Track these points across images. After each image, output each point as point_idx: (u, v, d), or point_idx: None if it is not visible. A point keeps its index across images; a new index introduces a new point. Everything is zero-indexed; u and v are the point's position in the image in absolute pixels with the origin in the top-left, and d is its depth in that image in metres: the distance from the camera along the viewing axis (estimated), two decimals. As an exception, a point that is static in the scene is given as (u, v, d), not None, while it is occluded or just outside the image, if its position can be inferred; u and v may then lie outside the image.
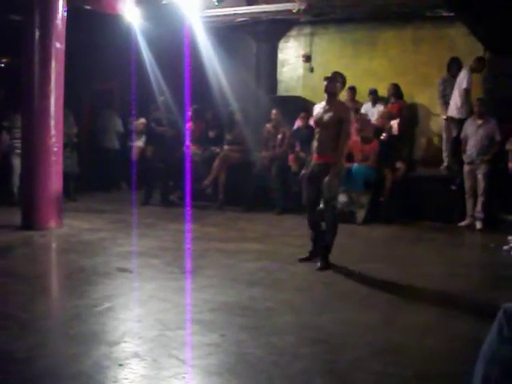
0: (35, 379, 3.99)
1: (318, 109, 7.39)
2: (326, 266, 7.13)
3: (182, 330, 4.97)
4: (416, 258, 7.99)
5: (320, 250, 7.28)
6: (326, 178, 7.01)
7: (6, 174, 11.93)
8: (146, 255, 7.57)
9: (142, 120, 13.19)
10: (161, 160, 12.03)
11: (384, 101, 12.36)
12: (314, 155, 7.35)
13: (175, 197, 12.16)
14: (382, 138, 10.90)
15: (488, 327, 3.13)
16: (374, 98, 12.45)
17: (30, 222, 9.19)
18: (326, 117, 7.18)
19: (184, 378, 4.02)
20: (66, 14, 9.27)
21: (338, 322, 5.26)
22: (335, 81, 7.57)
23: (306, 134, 11.78)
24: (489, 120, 10.16)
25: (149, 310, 5.53)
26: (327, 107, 7.27)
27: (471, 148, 10.13)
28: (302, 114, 12.08)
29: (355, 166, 10.54)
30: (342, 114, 7.17)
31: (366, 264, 7.49)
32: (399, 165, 10.73)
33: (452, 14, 12.07)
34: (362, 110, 12.33)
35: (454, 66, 11.44)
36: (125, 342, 4.67)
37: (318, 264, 7.13)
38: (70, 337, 4.81)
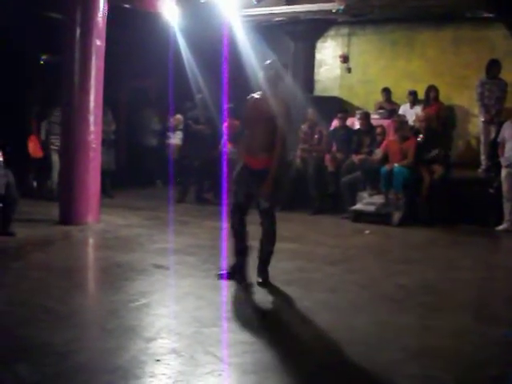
0: (73, 373, 4.03)
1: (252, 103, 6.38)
2: (267, 277, 6.34)
3: (217, 328, 4.99)
4: (452, 262, 7.90)
5: (260, 263, 6.38)
6: (262, 186, 6.12)
7: (46, 170, 12.07)
8: (182, 252, 7.60)
9: (178, 116, 13.23)
10: (197, 158, 12.06)
11: (422, 103, 12.28)
12: (245, 156, 6.34)
13: (209, 195, 12.18)
14: (418, 139, 10.82)
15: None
16: (413, 99, 12.37)
17: (68, 217, 9.28)
18: (259, 112, 6.20)
19: (220, 375, 4.03)
20: (106, 12, 9.36)
21: (373, 324, 5.24)
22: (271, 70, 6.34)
23: (343, 135, 11.79)
24: (528, 123, 10.05)
25: (185, 306, 5.56)
26: (261, 101, 6.26)
27: (509, 151, 10.01)
28: (340, 115, 12.06)
29: (396, 167, 10.48)
30: (279, 108, 6.17)
31: (402, 266, 7.46)
32: (437, 167, 10.65)
33: (492, 15, 11.96)
34: (400, 111, 12.28)
35: (494, 69, 11.31)
36: (161, 337, 4.70)
37: (259, 279, 6.30)
38: (107, 331, 4.86)
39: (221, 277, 6.35)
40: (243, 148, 6.43)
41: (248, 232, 6.39)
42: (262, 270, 6.33)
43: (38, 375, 3.95)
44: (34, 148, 12.24)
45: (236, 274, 6.35)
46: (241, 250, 6.38)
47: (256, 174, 6.12)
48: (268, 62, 6.26)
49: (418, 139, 10.83)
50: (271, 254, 6.34)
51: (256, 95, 6.36)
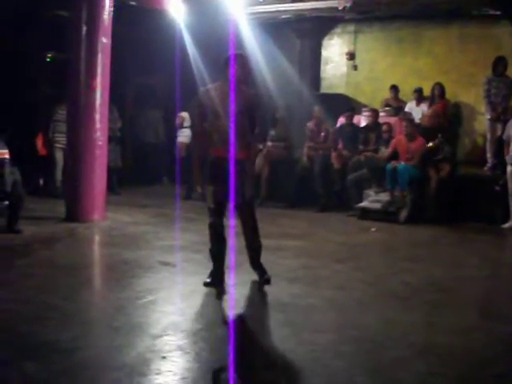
0: (79, 370, 4.04)
1: (214, 95, 6.05)
2: (266, 272, 6.19)
3: (223, 325, 5.00)
4: (459, 259, 7.89)
5: (255, 261, 6.21)
6: (242, 179, 5.87)
7: (51, 168, 12.09)
8: (189, 249, 7.59)
9: (184, 114, 13.21)
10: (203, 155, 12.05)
11: (427, 100, 12.25)
12: (219, 149, 5.94)
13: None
14: (431, 144, 10.79)
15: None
16: (419, 96, 12.35)
17: (75, 214, 9.30)
18: (230, 104, 5.81)
19: (226, 372, 4.04)
20: (112, 9, 9.37)
21: (380, 321, 5.24)
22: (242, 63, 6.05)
23: (350, 132, 11.79)
24: (533, 121, 10.02)
25: (191, 304, 5.56)
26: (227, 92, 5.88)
27: (516, 149, 10.00)
28: (347, 112, 12.06)
29: (401, 164, 10.48)
30: (251, 100, 6.03)
31: (408, 263, 7.45)
32: (443, 165, 10.64)
33: (498, 13, 11.93)
34: (406, 109, 12.25)
35: (500, 66, 11.28)
36: (168, 335, 4.71)
37: (265, 276, 6.16)
38: (113, 328, 4.86)
39: (207, 284, 6.05)
40: (213, 142, 6.02)
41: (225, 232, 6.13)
42: (259, 266, 6.19)
43: (45, 372, 3.96)
44: (41, 146, 12.30)
45: (216, 278, 6.09)
46: (221, 252, 6.11)
47: (237, 164, 5.75)
48: (234, 53, 6.00)
49: (431, 144, 10.79)
50: (261, 248, 6.18)
51: (212, 86, 6.16)
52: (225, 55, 6.04)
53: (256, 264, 6.21)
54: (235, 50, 6.06)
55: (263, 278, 6.16)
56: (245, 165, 5.93)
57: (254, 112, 6.01)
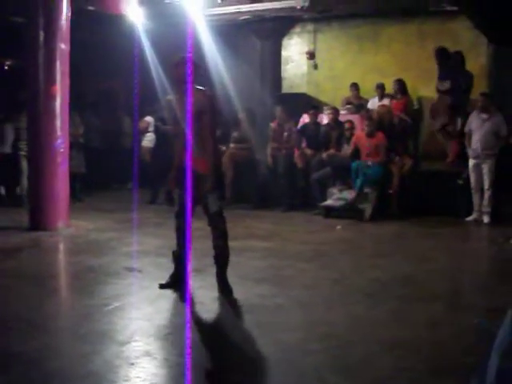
0: (46, 380, 4.00)
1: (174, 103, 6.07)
2: (227, 285, 5.97)
3: (191, 329, 4.97)
4: (424, 253, 7.96)
5: (220, 270, 6.00)
6: (205, 191, 5.84)
7: (14, 176, 11.96)
8: (154, 254, 7.56)
9: (147, 119, 13.17)
10: (166, 159, 11.99)
11: (390, 96, 12.33)
12: (181, 155, 5.87)
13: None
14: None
15: (498, 320, 3.13)
16: (381, 92, 12.42)
17: (38, 222, 9.20)
18: (185, 110, 5.70)
19: (194, 377, 4.02)
20: (70, 15, 9.29)
21: (347, 318, 5.26)
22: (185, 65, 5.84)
23: (313, 131, 11.82)
24: (494, 114, 10.12)
25: (158, 308, 5.54)
26: (183, 98, 5.84)
27: (476, 142, 10.09)
28: (311, 111, 12.08)
29: (361, 162, 10.56)
30: (202, 102, 5.87)
31: (375, 259, 7.50)
32: (406, 160, 10.72)
33: (456, 8, 12.05)
34: (369, 105, 12.33)
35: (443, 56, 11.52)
36: (135, 340, 4.67)
37: (225, 290, 5.93)
38: (80, 336, 4.81)
39: (162, 286, 6.07)
40: (178, 149, 6.00)
41: (191, 235, 6.01)
42: (222, 275, 5.98)
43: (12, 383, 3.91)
44: None
45: (179, 279, 6.06)
46: (183, 255, 6.04)
47: (198, 178, 5.74)
48: (180, 56, 5.90)
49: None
50: (228, 257, 5.97)
51: (175, 92, 6.12)
52: (173, 59, 6.00)
53: (220, 278, 6.01)
54: (189, 53, 5.99)
55: (225, 296, 5.89)
56: (206, 179, 5.83)
57: (209, 113, 5.91)
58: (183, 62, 5.87)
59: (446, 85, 11.49)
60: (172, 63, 6.01)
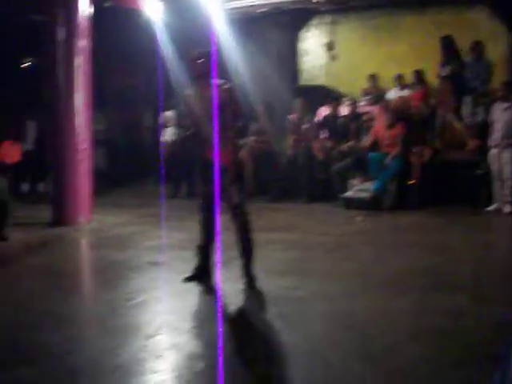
0: (75, 373, 4.06)
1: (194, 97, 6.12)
2: (253, 277, 5.99)
3: (216, 322, 5.02)
4: (445, 244, 7.95)
5: (245, 261, 6.00)
6: (227, 184, 5.83)
7: (36, 173, 12.08)
8: (177, 248, 7.61)
9: (168, 113, 13.23)
10: (187, 153, 12.04)
11: (409, 86, 12.32)
12: (206, 150, 5.92)
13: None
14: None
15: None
16: (401, 82, 12.41)
17: (61, 218, 9.31)
18: (206, 103, 5.80)
19: (222, 368, 4.07)
20: (89, 11, 9.35)
21: (371, 309, 5.29)
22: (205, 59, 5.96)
23: (333, 123, 11.83)
24: (515, 103, 10.09)
25: (183, 302, 5.59)
26: (203, 92, 5.96)
27: (497, 132, 10.06)
28: (331, 103, 12.09)
29: (381, 154, 10.58)
30: (222, 95, 5.86)
31: (396, 250, 7.51)
32: (425, 150, 10.71)
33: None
34: (388, 96, 12.31)
35: (477, 50, 11.42)
36: (161, 334, 4.73)
37: (248, 279, 5.97)
38: (106, 330, 4.88)
39: (187, 280, 6.11)
40: (202, 142, 6.02)
41: (216, 228, 6.04)
42: (247, 268, 5.99)
43: (40, 377, 3.98)
44: (6, 153, 12.20)
45: (203, 272, 6.17)
46: (208, 248, 6.16)
47: (222, 170, 5.69)
48: (199, 50, 5.97)
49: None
50: (252, 250, 5.98)
51: (195, 87, 6.13)
52: (192, 53, 6.04)
53: (246, 266, 6.03)
54: (206, 47, 6.05)
55: (251, 288, 5.93)
56: (228, 172, 5.85)
57: (230, 106, 5.90)
58: (202, 56, 5.95)
59: (447, 70, 11.54)
60: (191, 57, 6.02)
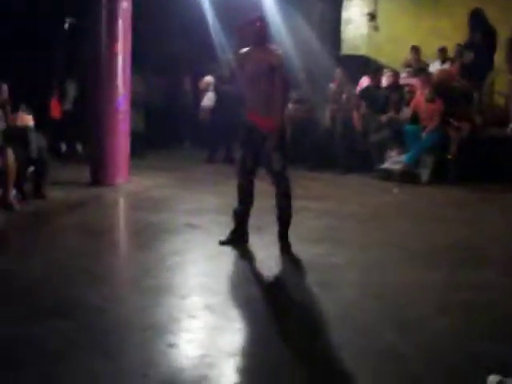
0: (111, 328, 4.15)
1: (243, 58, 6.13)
2: (289, 243, 6.08)
3: (250, 285, 5.08)
4: (483, 219, 7.89)
5: (281, 227, 6.10)
6: (269, 150, 5.89)
7: (74, 133, 12.22)
8: (213, 212, 7.65)
9: (208, 78, 13.21)
10: (225, 118, 12.04)
11: (452, 60, 12.16)
12: (251, 116, 6.02)
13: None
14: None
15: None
16: (443, 56, 12.25)
17: (99, 178, 9.38)
18: (256, 67, 5.91)
19: (253, 331, 4.13)
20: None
21: (403, 281, 5.31)
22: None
23: (374, 94, 11.73)
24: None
25: (218, 265, 5.64)
26: (254, 55, 5.99)
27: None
28: (371, 74, 12.00)
29: (419, 126, 10.52)
30: (273, 60, 5.90)
31: (431, 224, 7.48)
32: (464, 125, 10.60)
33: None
34: (431, 69, 12.18)
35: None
36: (195, 295, 4.81)
37: (283, 241, 6.08)
38: (141, 289, 4.96)
39: (223, 243, 6.16)
40: (247, 106, 6.07)
41: (253, 194, 6.17)
42: (284, 234, 6.08)
43: (77, 331, 4.07)
44: (54, 108, 12.41)
45: (239, 236, 6.21)
46: (243, 212, 6.19)
47: (265, 137, 5.86)
48: (253, 15, 6.04)
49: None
50: (291, 217, 6.08)
51: (245, 50, 6.11)
52: (243, 19, 6.05)
53: (281, 232, 6.10)
54: (254, 13, 6.06)
55: (285, 254, 6.00)
56: (271, 138, 5.85)
57: (280, 72, 5.88)
58: (257, 20, 5.99)
59: (469, 57, 11.38)
60: (246, 21, 6.03)
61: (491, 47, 11.47)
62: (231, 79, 11.75)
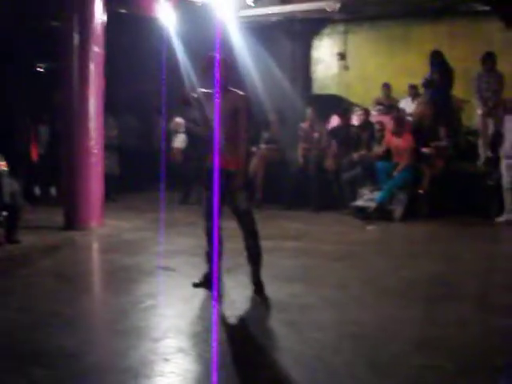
0: (85, 374, 4.11)
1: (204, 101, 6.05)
2: (261, 283, 6.01)
3: (224, 326, 5.07)
4: (455, 254, 7.96)
5: (253, 267, 6.03)
6: (234, 189, 5.84)
7: (47, 176, 12.19)
8: (187, 254, 7.64)
9: (178, 120, 13.27)
10: (197, 160, 12.07)
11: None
12: (210, 157, 5.79)
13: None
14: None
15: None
16: (414, 92, 12.43)
17: (72, 222, 9.35)
18: (221, 108, 5.78)
19: (228, 372, 4.11)
20: (104, 18, 9.44)
21: (378, 317, 5.32)
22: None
23: (344, 132, 11.85)
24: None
25: (191, 306, 5.64)
26: (218, 96, 5.89)
27: (508, 143, 10.08)
28: (341, 113, 12.12)
29: (390, 163, 10.64)
30: (239, 102, 5.94)
31: (405, 260, 7.53)
32: (437, 161, 10.72)
33: (487, 8, 12.02)
34: (402, 105, 12.34)
35: (489, 61, 11.37)
36: (169, 337, 4.78)
37: (256, 286, 6.01)
38: (115, 333, 4.95)
39: (196, 285, 6.14)
40: (209, 147, 5.83)
41: (222, 236, 6.08)
42: (256, 273, 6.01)
43: (52, 378, 4.05)
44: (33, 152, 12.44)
45: (210, 280, 5.93)
46: (213, 255, 5.96)
47: (228, 176, 5.74)
48: (214, 55, 5.73)
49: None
50: (260, 255, 6.01)
51: (207, 91, 6.04)
52: (206, 58, 6.04)
53: (254, 272, 6.06)
54: (222, 53, 6.05)
55: (259, 295, 5.96)
56: (235, 177, 5.84)
57: (241, 114, 5.90)
58: (218, 62, 5.78)
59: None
60: (207, 62, 5.94)
61: (448, 85, 11.69)
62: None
